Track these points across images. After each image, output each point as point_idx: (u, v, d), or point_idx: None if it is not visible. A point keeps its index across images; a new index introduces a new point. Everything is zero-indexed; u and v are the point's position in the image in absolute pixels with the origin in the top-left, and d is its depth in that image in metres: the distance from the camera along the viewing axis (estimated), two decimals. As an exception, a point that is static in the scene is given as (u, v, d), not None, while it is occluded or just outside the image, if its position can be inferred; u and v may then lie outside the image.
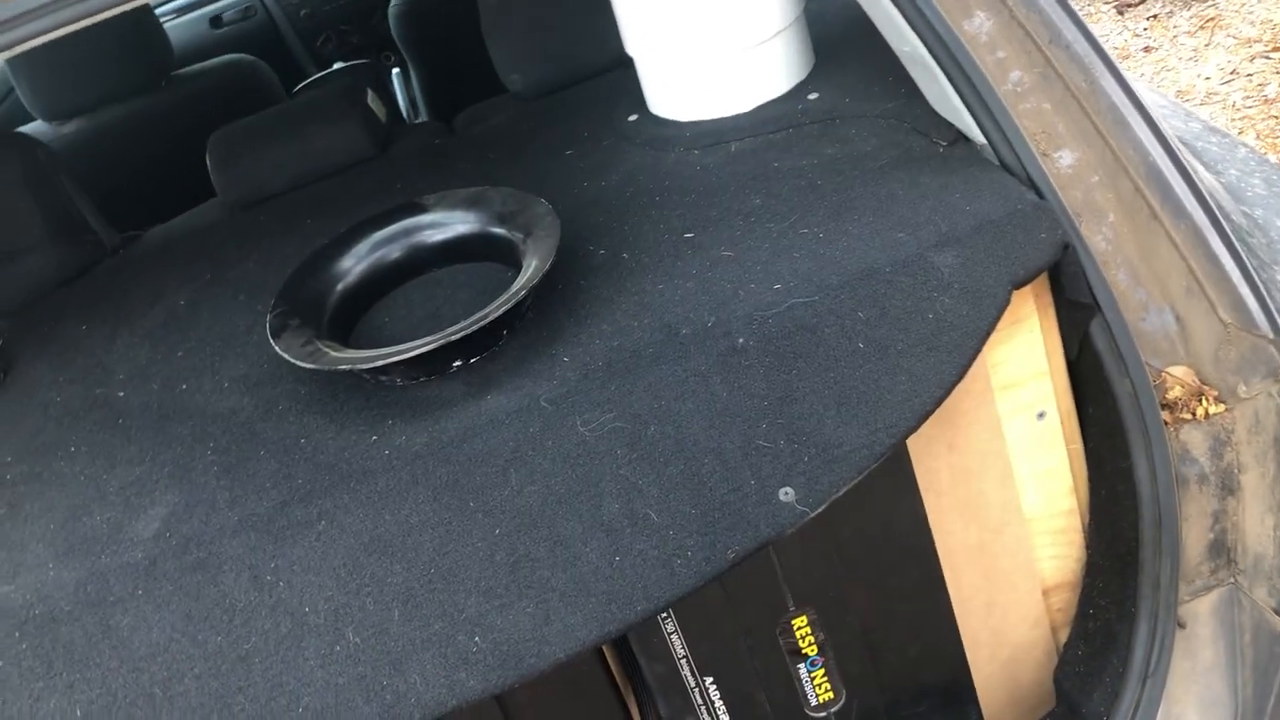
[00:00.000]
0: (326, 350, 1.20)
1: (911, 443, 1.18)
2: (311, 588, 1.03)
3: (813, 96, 1.46)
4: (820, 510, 1.01)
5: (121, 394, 1.37)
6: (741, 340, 1.10)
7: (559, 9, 1.77)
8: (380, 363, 1.15)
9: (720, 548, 1.00)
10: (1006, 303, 1.11)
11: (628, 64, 1.60)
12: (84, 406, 1.37)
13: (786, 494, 1.02)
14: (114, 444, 1.28)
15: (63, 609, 1.07)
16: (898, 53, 1.34)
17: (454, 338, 1.14)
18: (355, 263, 1.35)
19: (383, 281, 1.36)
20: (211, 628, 1.03)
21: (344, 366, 1.17)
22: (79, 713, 1.01)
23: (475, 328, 1.14)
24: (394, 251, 1.36)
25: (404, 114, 3.23)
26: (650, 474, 1.04)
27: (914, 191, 1.22)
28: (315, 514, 1.07)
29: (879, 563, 1.22)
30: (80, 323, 1.57)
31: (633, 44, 1.52)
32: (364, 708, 0.98)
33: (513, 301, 1.16)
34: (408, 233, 1.37)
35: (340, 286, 1.33)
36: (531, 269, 1.21)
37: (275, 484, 1.12)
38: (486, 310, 1.16)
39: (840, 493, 1.02)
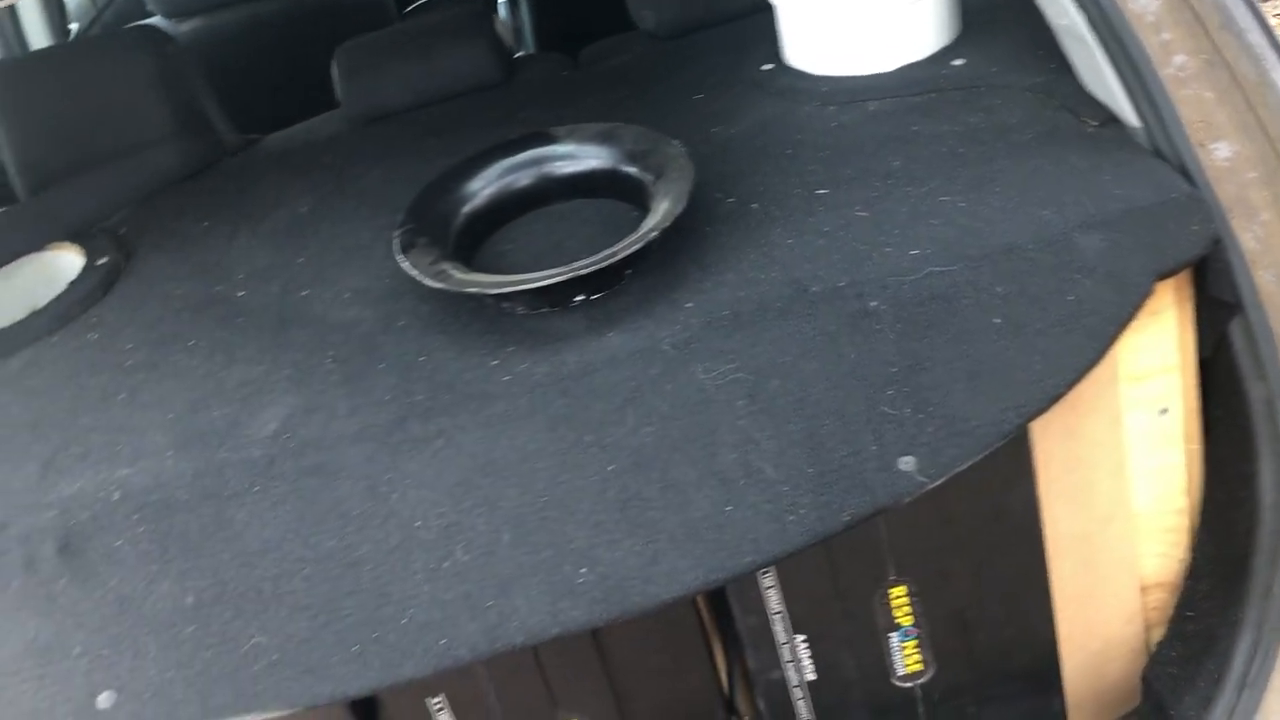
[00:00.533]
0: (453, 272, 1.21)
1: (1032, 425, 1.16)
2: (425, 503, 1.04)
3: (958, 63, 1.42)
4: (939, 483, 1.00)
5: (241, 294, 1.39)
6: (874, 304, 1.08)
7: None
8: (509, 289, 1.15)
9: (835, 509, 1.00)
10: (1149, 292, 1.08)
11: (764, 10, 1.57)
12: (203, 302, 1.39)
13: (907, 463, 1.01)
14: (233, 342, 1.29)
15: (180, 498, 1.09)
16: (1053, 26, 1.30)
17: (582, 272, 1.14)
18: (483, 186, 1.35)
19: (508, 208, 1.36)
20: (324, 532, 1.05)
21: (472, 289, 1.17)
22: (190, 600, 1.04)
23: (605, 264, 1.13)
24: (522, 179, 1.36)
25: (508, 44, 3.21)
26: (769, 428, 1.03)
27: (1061, 169, 1.19)
28: (434, 431, 1.08)
29: (985, 542, 1.21)
30: (201, 219, 1.59)
31: (777, -9, 1.49)
32: (468, 625, 0.99)
33: (643, 241, 1.15)
34: (537, 162, 1.36)
35: (467, 209, 1.33)
36: (663, 211, 1.20)
37: (394, 398, 1.13)
38: (617, 247, 1.15)
39: (962, 467, 1.01)
